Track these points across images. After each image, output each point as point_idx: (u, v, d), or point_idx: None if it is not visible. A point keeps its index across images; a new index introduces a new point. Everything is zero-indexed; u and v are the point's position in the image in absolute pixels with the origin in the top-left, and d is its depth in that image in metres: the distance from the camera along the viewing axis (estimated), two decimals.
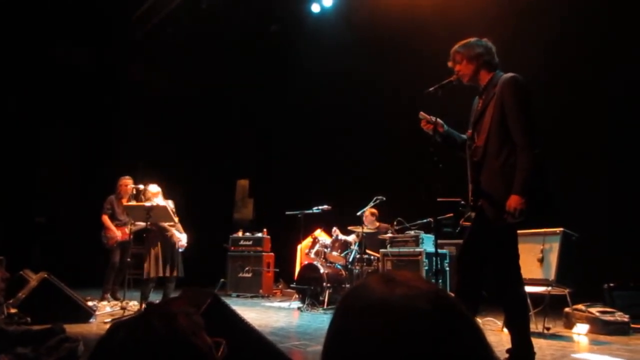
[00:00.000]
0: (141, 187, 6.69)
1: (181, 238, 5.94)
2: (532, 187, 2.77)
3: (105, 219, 6.96)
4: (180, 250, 5.94)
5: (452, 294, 3.36)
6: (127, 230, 6.69)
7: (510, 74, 3.01)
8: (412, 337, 0.66)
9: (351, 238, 7.36)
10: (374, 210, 7.31)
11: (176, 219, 5.92)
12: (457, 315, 0.70)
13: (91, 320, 4.96)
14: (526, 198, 2.75)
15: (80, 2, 8.74)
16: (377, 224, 7.38)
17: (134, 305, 5.83)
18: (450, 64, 3.21)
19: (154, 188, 6.02)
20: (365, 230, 6.93)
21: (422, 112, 3.22)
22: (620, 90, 6.18)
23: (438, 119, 3.17)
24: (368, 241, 7.14)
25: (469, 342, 0.69)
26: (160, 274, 5.72)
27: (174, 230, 5.87)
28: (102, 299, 6.68)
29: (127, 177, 7.15)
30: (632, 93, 6.03)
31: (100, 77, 10.29)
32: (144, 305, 5.59)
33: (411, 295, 0.70)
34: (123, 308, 5.46)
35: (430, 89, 3.16)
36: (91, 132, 10.41)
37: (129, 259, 6.33)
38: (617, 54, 6.28)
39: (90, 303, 5.46)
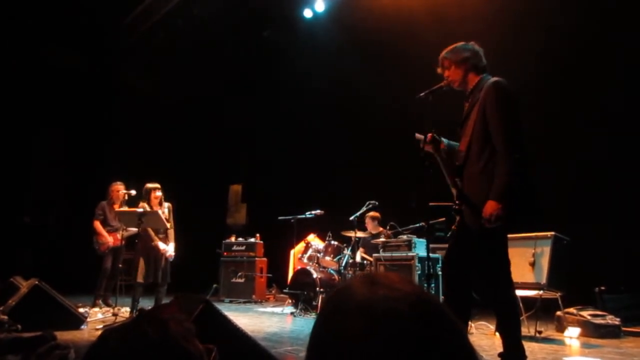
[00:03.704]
0: (133, 192, 6.67)
1: (167, 249, 5.80)
2: (511, 192, 2.75)
3: (97, 224, 6.92)
4: (170, 260, 5.89)
5: (443, 298, 3.35)
6: (118, 236, 6.65)
7: (494, 79, 3.00)
8: (393, 340, 0.66)
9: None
10: (375, 214, 7.31)
11: (168, 225, 5.88)
12: (439, 318, 0.71)
13: (82, 327, 4.92)
14: (503, 204, 2.74)
15: (72, 5, 8.72)
16: (380, 228, 7.37)
17: (125, 312, 5.79)
18: (439, 70, 3.23)
19: (158, 192, 5.98)
20: (359, 234, 6.95)
21: (417, 134, 3.20)
22: (617, 92, 6.23)
23: (435, 135, 3.16)
24: (367, 244, 7.19)
25: (451, 345, 0.70)
26: (149, 280, 5.69)
27: (158, 242, 5.75)
28: (94, 305, 6.63)
29: (118, 182, 7.11)
30: (629, 95, 6.08)
31: (92, 81, 10.25)
32: (135, 311, 5.56)
33: (392, 297, 0.70)
34: (115, 314, 5.42)
35: (421, 94, 3.18)
36: (83, 136, 10.36)
37: (120, 265, 6.30)
38: (614, 55, 6.32)
39: (81, 309, 5.42)
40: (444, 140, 3.22)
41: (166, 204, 6.04)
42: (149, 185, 5.98)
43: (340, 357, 0.68)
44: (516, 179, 2.77)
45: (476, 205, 2.87)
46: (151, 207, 5.84)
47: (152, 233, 5.75)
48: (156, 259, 5.73)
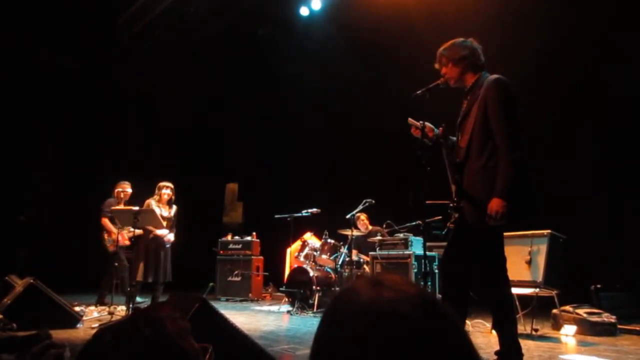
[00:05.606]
0: (129, 190, 6.65)
1: (165, 232, 5.81)
2: (513, 190, 2.74)
3: (106, 222, 6.80)
4: (167, 245, 5.88)
5: (440, 297, 3.35)
6: (125, 235, 6.63)
7: (495, 76, 2.99)
8: (399, 341, 0.66)
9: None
10: (364, 214, 7.35)
11: (165, 223, 5.85)
12: (444, 319, 0.71)
13: (78, 325, 4.90)
14: (508, 201, 2.72)
15: (66, 5, 8.67)
16: (370, 227, 7.40)
17: (121, 310, 5.77)
18: (436, 65, 3.22)
19: (166, 190, 5.99)
20: (355, 233, 6.95)
21: (410, 119, 3.21)
22: (617, 92, 6.23)
23: (427, 124, 3.17)
24: (361, 244, 7.18)
25: (455, 346, 0.69)
26: (148, 279, 5.68)
27: (156, 230, 5.77)
28: (100, 303, 6.55)
29: (125, 182, 7.05)
30: (629, 94, 6.08)
31: (89, 80, 10.21)
32: (131, 310, 5.54)
33: (398, 299, 0.70)
34: (111, 313, 5.41)
35: (418, 92, 3.16)
36: (79, 136, 10.31)
37: (116, 264, 6.27)
38: (613, 55, 6.33)
39: (77, 308, 5.40)
40: (436, 130, 3.21)
41: (174, 207, 6.05)
42: (161, 183, 6.05)
43: (345, 358, 0.68)
44: (517, 178, 2.77)
45: (477, 202, 2.86)
46: (159, 204, 5.88)
47: (151, 227, 5.77)
48: (156, 258, 5.73)
